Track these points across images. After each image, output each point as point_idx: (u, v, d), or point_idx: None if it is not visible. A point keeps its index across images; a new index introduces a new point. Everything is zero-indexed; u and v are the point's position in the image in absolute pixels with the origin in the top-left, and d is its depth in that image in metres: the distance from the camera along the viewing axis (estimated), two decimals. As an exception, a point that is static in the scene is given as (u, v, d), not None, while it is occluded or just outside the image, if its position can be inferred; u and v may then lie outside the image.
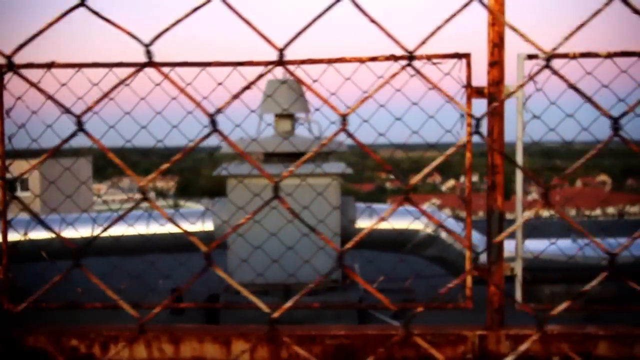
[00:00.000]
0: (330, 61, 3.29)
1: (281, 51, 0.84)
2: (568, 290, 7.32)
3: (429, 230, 7.31)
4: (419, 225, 7.27)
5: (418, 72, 0.87)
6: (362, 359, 3.29)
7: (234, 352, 3.32)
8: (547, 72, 3.53)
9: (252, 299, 0.88)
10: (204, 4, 0.83)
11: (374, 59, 3.25)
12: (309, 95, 7.39)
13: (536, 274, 5.55)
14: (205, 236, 7.49)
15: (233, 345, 3.34)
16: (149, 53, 0.83)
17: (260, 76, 0.87)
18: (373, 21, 0.82)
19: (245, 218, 0.99)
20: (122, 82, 0.90)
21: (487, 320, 3.21)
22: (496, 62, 3.05)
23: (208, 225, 7.36)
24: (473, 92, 3.14)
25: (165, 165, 0.87)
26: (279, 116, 7.01)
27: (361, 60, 3.26)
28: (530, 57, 3.15)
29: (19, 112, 3.33)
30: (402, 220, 6.87)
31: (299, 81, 0.90)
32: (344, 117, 0.86)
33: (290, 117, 7.08)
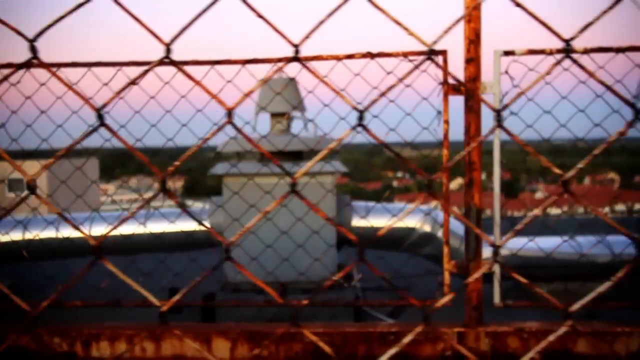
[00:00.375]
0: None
1: (168, 46, 0.85)
2: (566, 288, 7.28)
3: (426, 228, 7.30)
4: (416, 223, 7.27)
5: (305, 67, 0.88)
6: (342, 356, 3.29)
7: (214, 350, 3.33)
8: (524, 68, 3.46)
9: (144, 294, 0.89)
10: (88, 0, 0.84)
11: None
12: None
13: (531, 271, 5.51)
14: (203, 235, 7.52)
15: (213, 343, 3.35)
16: (33, 49, 0.83)
17: (145, 72, 0.88)
18: (260, 16, 0.82)
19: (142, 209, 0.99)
20: (5, 78, 0.91)
21: (465, 317, 3.21)
22: (472, 59, 3.04)
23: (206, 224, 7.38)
24: (450, 89, 3.14)
25: (49, 162, 0.88)
26: (275, 115, 7.02)
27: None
28: (507, 53, 3.14)
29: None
30: (402, 220, 6.87)
31: (189, 77, 0.91)
32: (229, 111, 0.87)
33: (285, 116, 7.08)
